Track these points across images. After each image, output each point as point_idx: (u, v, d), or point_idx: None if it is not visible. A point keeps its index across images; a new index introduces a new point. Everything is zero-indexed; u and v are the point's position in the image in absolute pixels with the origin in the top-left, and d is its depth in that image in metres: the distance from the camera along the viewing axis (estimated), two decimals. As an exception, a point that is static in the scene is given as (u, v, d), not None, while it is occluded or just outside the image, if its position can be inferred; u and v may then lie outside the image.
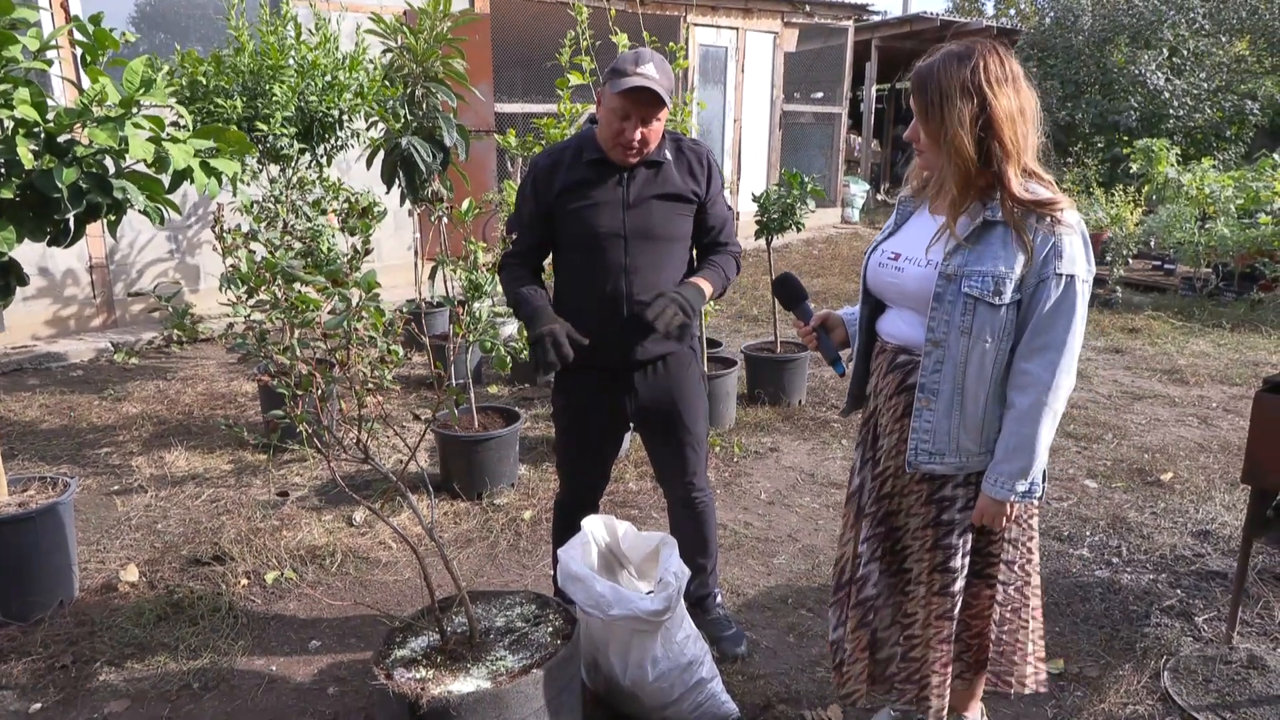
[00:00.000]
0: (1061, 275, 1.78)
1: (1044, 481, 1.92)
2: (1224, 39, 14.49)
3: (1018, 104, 1.77)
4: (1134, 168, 10.23)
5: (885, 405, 2.03)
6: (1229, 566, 3.36)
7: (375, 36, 4.06)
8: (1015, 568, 2.06)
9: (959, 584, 2.02)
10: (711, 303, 3.76)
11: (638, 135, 2.35)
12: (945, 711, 2.11)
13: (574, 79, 4.44)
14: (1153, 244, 9.46)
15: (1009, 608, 2.09)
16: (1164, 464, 4.44)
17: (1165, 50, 14.16)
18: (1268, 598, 3.14)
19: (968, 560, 2.01)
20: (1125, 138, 12.83)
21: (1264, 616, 3.04)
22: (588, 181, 2.45)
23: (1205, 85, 13.89)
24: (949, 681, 2.10)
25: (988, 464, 1.91)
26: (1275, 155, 10.07)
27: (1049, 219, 1.78)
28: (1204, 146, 13.76)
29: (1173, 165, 9.69)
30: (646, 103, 2.32)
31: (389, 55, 4.02)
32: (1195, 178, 8.87)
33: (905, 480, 2.02)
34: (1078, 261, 1.79)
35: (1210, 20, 14.87)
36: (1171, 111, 13.61)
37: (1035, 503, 1.94)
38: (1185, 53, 14.28)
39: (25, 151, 2.35)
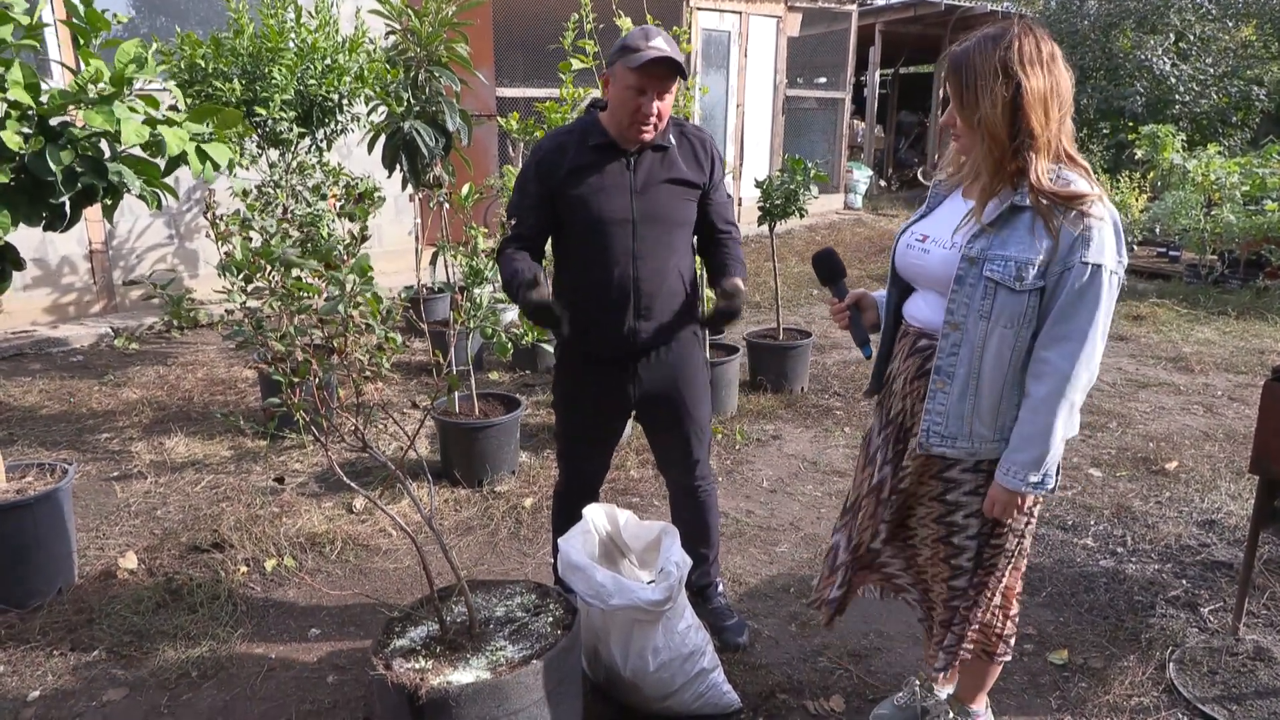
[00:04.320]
0: (1088, 264, 1.74)
1: (1057, 474, 1.89)
2: (1230, 24, 14.37)
3: (1050, 85, 1.74)
4: (1139, 154, 10.16)
5: (907, 389, 2.02)
6: (1234, 557, 3.34)
7: (379, 17, 4.01)
8: (1012, 555, 2.05)
9: (955, 560, 2.02)
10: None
11: (655, 108, 2.33)
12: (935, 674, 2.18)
13: (577, 63, 4.39)
14: (1158, 231, 9.41)
15: (999, 592, 2.09)
16: (1169, 453, 4.41)
17: (1171, 35, 14.05)
18: (1274, 589, 3.12)
19: (974, 544, 1.99)
20: (1130, 124, 12.75)
21: (1270, 608, 3.02)
22: (594, 166, 2.42)
23: (1211, 71, 13.79)
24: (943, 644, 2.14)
25: (1001, 452, 1.88)
26: (1282, 142, 10.00)
27: (1076, 211, 1.75)
28: (1210, 132, 13.67)
29: (1178, 151, 9.63)
30: (663, 75, 2.30)
31: (392, 38, 3.97)
32: (1201, 164, 8.81)
33: (920, 461, 2.00)
34: (1106, 251, 1.75)
35: (1217, 5, 14.74)
36: (1177, 97, 13.51)
37: (1045, 494, 1.92)
38: (1191, 38, 14.18)
39: (10, 135, 2.31)
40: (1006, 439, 1.87)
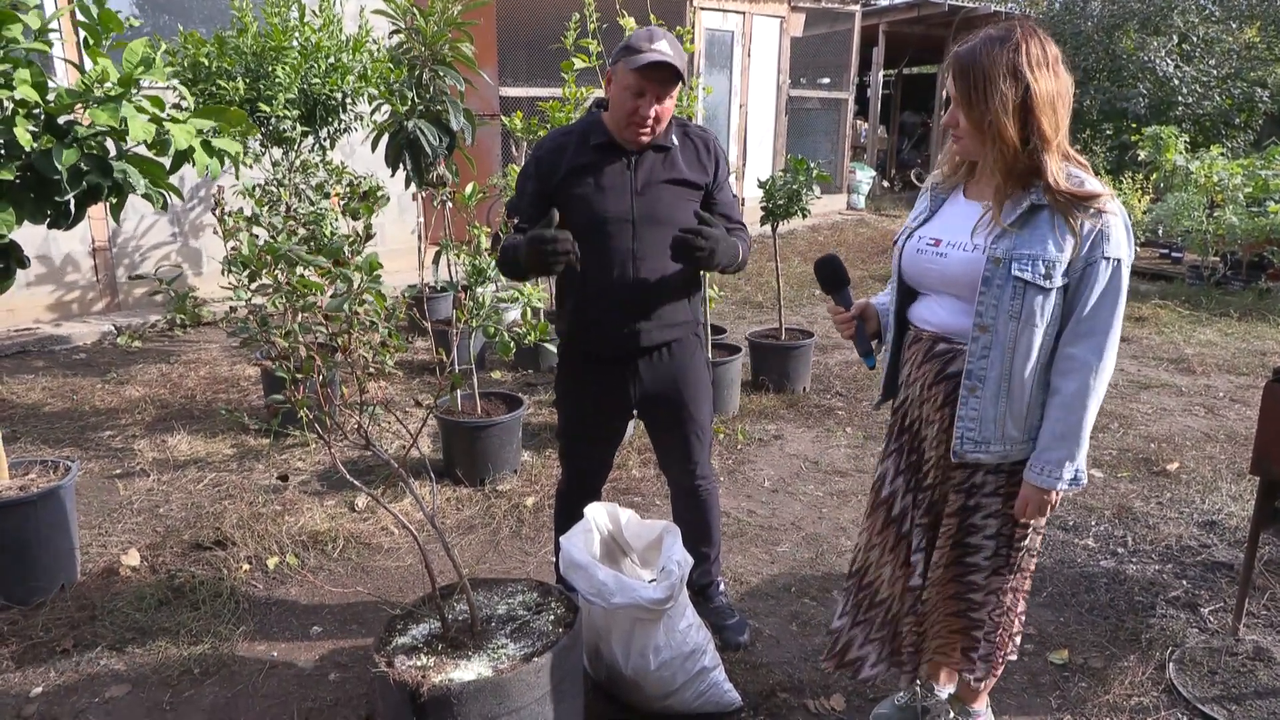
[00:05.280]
0: (1109, 259, 1.78)
1: (1087, 468, 1.90)
2: (1234, 26, 14.35)
3: (1056, 88, 1.76)
4: (1142, 155, 10.17)
5: (924, 395, 2.01)
6: (1235, 558, 3.34)
7: (383, 17, 4.02)
8: (1033, 554, 2.06)
9: (971, 559, 2.02)
10: (716, 289, 3.73)
11: (653, 112, 2.33)
12: (921, 669, 2.18)
13: (579, 62, 4.39)
14: (1160, 232, 9.40)
15: (1013, 592, 2.09)
16: (1170, 454, 4.41)
17: (1175, 37, 14.03)
18: (1274, 589, 3.12)
19: (989, 544, 2.00)
20: (1134, 125, 12.73)
21: (1270, 608, 3.03)
22: (594, 165, 2.42)
23: (1215, 72, 13.77)
24: (930, 645, 2.14)
25: (1028, 453, 1.89)
26: (1285, 143, 9.99)
27: (1093, 209, 1.77)
28: (1213, 134, 13.65)
29: (1181, 153, 9.62)
30: (663, 79, 2.30)
31: (397, 37, 3.98)
32: (1204, 165, 8.81)
33: (945, 469, 2.00)
34: (1123, 245, 1.80)
35: (1220, 7, 14.73)
36: (1180, 99, 13.50)
37: (1079, 490, 1.93)
38: (1195, 39, 14.16)
39: (24, 132, 2.32)
40: (1033, 438, 1.88)
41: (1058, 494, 1.89)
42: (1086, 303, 1.80)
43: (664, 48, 2.29)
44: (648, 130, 2.37)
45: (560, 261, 2.25)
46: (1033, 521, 1.97)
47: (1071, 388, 1.82)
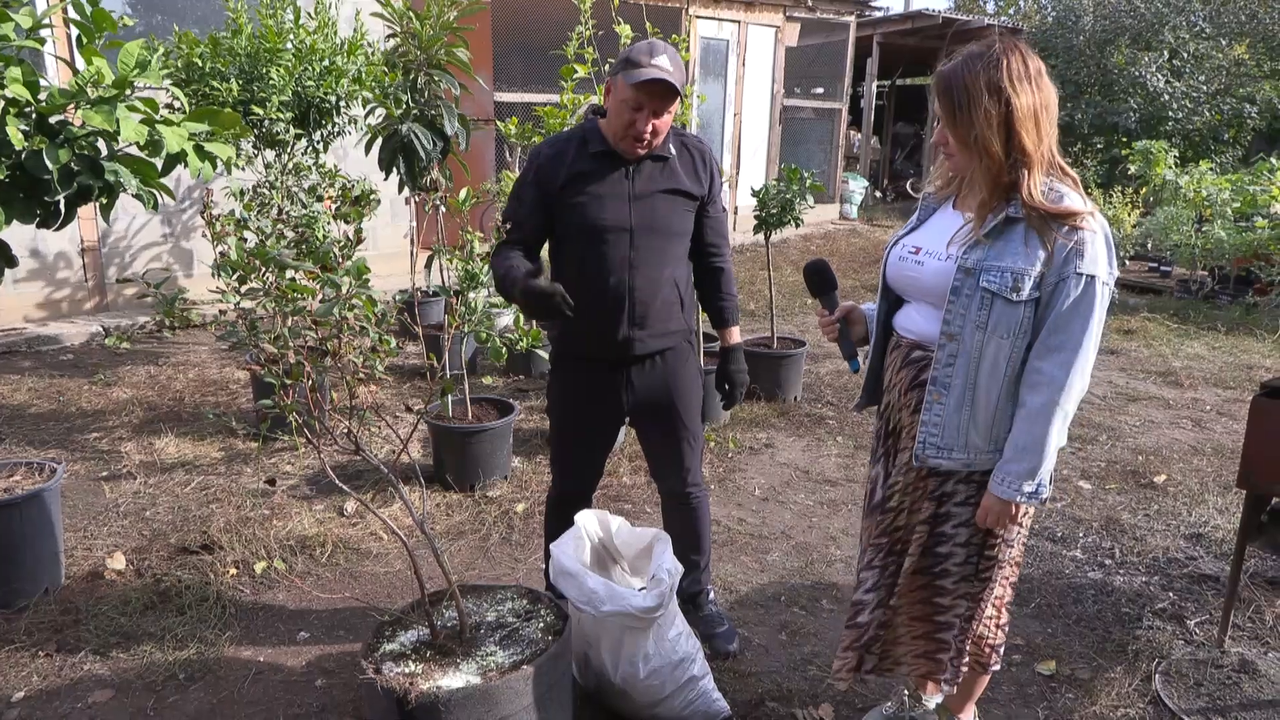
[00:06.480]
0: (1082, 275, 1.77)
1: (1050, 483, 1.90)
2: (1224, 42, 14.49)
3: (1040, 100, 1.77)
4: (1132, 169, 10.23)
5: (901, 401, 2.02)
6: (1221, 570, 3.36)
7: (378, 20, 4.02)
8: (1005, 565, 2.06)
9: (941, 567, 2.02)
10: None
11: (649, 127, 2.33)
12: (919, 688, 2.16)
13: (579, 71, 4.40)
14: (1149, 246, 9.46)
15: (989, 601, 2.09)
16: (1157, 466, 4.43)
17: (1165, 52, 14.15)
18: (1259, 602, 3.14)
19: (960, 552, 2.00)
20: (1124, 139, 12.82)
21: (1255, 620, 3.04)
22: (593, 174, 2.42)
23: (1204, 88, 13.90)
24: (919, 655, 2.14)
25: (995, 463, 1.89)
26: (1272, 159, 10.08)
27: (1068, 225, 1.77)
28: (1202, 149, 13.77)
29: (1171, 168, 9.70)
30: (660, 95, 2.30)
31: (393, 40, 3.98)
32: (1193, 180, 8.88)
33: (913, 478, 2.01)
34: (1099, 262, 1.78)
35: (1210, 23, 14.87)
36: (1170, 114, 13.61)
37: (1039, 504, 1.93)
38: (1185, 55, 14.29)
39: (15, 132, 2.31)
40: (1001, 449, 1.88)
41: (1018, 506, 1.88)
42: (1056, 318, 1.79)
43: (664, 63, 2.29)
44: (644, 144, 2.37)
45: (557, 318, 2.28)
46: (1002, 532, 1.97)
47: (1037, 402, 1.81)
